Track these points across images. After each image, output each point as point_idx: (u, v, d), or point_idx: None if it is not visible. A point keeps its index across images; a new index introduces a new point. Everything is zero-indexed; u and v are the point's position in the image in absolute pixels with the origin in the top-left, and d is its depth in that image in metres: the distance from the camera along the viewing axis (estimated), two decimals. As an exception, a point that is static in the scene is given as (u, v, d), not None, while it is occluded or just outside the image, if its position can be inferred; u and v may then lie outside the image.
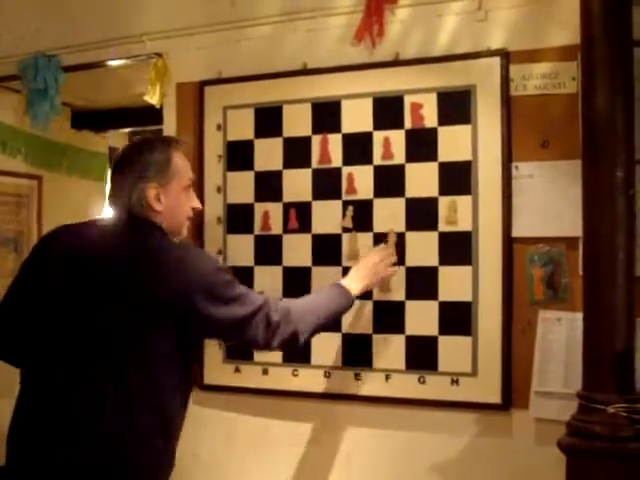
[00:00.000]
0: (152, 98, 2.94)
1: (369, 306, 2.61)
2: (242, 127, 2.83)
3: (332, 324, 2.35)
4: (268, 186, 2.78)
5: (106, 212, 4.26)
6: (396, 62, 2.60)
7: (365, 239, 2.61)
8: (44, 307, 1.97)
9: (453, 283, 2.50)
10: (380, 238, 2.58)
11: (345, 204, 2.66)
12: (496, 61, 2.45)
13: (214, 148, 2.86)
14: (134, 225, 2.03)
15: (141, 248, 1.98)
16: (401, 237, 2.56)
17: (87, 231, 2.10)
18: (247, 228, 2.80)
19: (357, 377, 2.63)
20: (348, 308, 2.34)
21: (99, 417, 1.85)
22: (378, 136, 2.61)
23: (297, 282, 2.70)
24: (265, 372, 2.76)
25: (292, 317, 2.08)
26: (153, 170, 2.04)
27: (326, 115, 2.69)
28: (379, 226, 2.59)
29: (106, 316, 1.89)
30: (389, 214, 2.58)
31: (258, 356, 2.77)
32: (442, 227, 2.52)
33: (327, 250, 2.67)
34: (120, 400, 1.85)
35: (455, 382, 2.50)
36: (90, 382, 1.86)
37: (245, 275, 2.75)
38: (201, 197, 2.82)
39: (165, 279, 1.91)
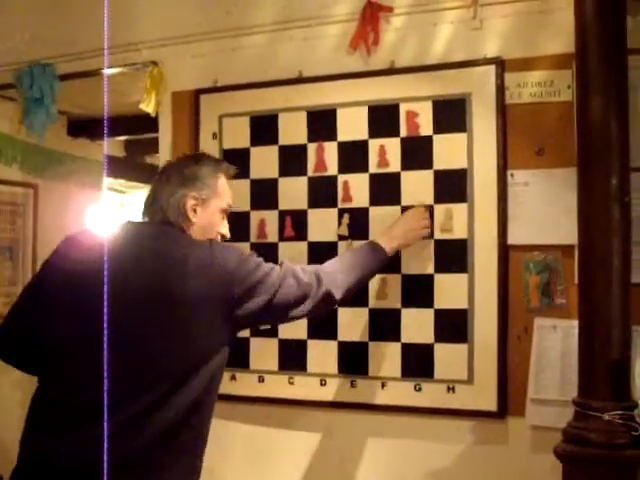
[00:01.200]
0: (148, 106, 2.94)
1: (365, 314, 2.61)
2: (238, 135, 2.83)
3: (366, 281, 2.33)
4: (264, 194, 2.78)
5: (128, 217, 4.29)
6: (391, 70, 2.61)
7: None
8: (67, 312, 1.95)
9: (449, 291, 2.50)
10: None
11: (341, 212, 2.66)
12: (491, 69, 2.46)
13: (210, 156, 2.86)
14: (164, 229, 2.03)
15: (170, 250, 1.96)
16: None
17: (114, 234, 2.06)
18: (243, 236, 2.79)
19: (353, 385, 2.63)
20: (381, 266, 2.33)
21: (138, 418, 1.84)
22: (374, 144, 2.62)
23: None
24: (261, 380, 2.76)
25: (322, 278, 2.07)
26: (198, 182, 2.07)
27: (322, 123, 2.70)
28: (375, 234, 2.58)
29: (142, 320, 1.87)
30: (385, 222, 2.57)
31: (254, 364, 2.77)
32: (438, 235, 2.52)
33: (323, 258, 2.62)
34: (158, 405, 1.84)
35: (451, 390, 2.49)
36: (127, 386, 1.83)
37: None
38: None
39: (197, 281, 1.89)
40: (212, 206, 2.10)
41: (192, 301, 1.88)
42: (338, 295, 2.11)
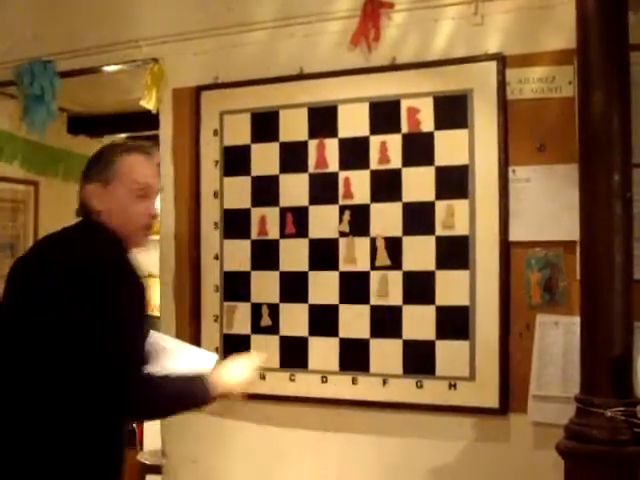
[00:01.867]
0: (148, 103, 2.93)
1: (366, 311, 2.61)
2: (239, 132, 2.82)
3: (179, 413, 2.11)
4: (265, 191, 2.77)
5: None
6: (392, 66, 2.60)
7: (362, 243, 2.61)
8: None
9: (450, 287, 2.50)
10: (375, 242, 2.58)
11: (342, 209, 2.65)
12: (492, 65, 2.46)
13: (211, 153, 2.86)
14: (77, 230, 1.99)
15: (63, 257, 1.88)
16: (397, 242, 2.57)
17: (41, 241, 2.07)
18: (244, 233, 2.79)
19: (354, 382, 2.63)
20: (201, 406, 2.08)
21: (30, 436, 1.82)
22: (375, 140, 2.61)
23: (294, 287, 2.70)
24: (262, 377, 2.75)
25: (147, 397, 1.88)
26: (94, 170, 2.03)
27: (323, 120, 2.69)
28: (376, 231, 2.59)
29: (28, 331, 1.83)
30: (386, 218, 2.58)
31: (255, 361, 2.77)
32: (439, 231, 2.52)
33: (324, 255, 2.67)
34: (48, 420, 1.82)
35: (453, 386, 2.49)
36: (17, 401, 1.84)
37: (242, 281, 2.76)
38: (197, 202, 2.84)
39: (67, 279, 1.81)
40: (116, 189, 2.00)
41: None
42: (148, 416, 2.06)
